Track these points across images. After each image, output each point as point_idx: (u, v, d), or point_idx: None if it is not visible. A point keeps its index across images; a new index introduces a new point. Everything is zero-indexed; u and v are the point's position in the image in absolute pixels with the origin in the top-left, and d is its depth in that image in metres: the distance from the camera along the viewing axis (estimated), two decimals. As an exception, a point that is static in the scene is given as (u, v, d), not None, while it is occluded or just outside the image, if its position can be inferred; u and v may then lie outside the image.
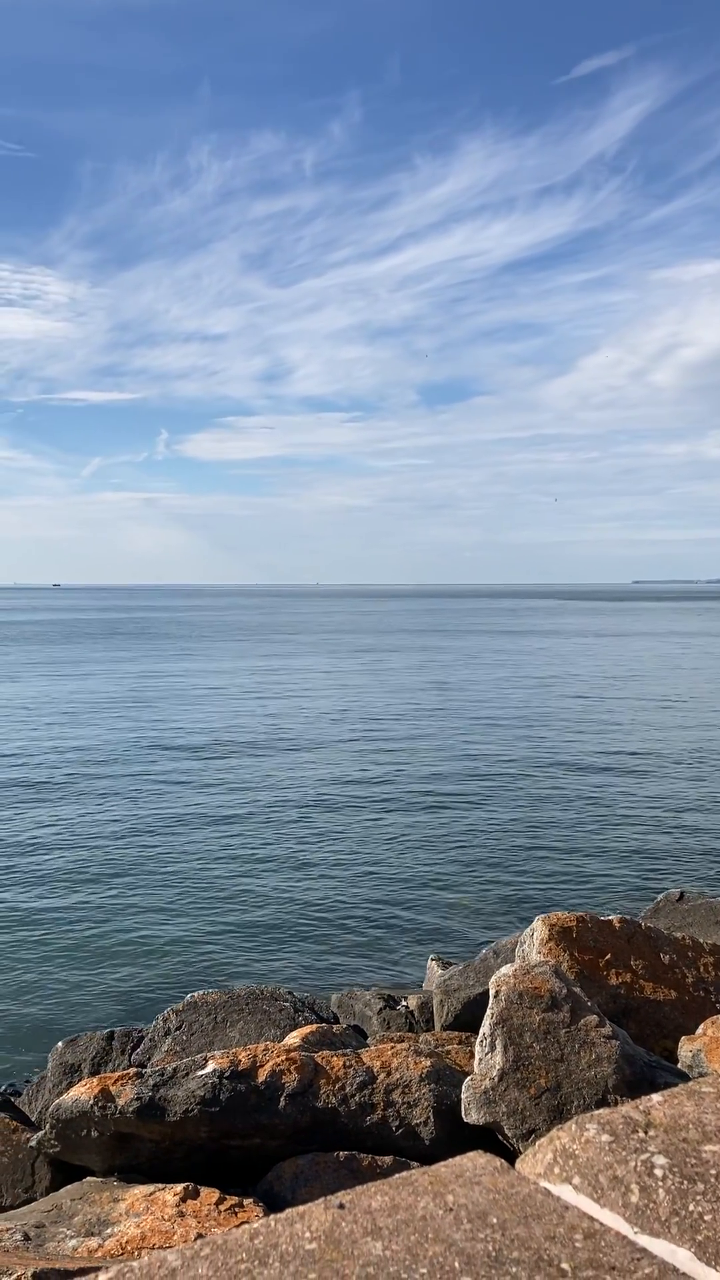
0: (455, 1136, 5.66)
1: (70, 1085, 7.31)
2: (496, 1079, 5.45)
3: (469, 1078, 5.61)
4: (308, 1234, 1.79)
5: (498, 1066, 5.48)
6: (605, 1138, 2.19)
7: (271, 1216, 1.87)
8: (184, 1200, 5.15)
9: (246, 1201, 5.19)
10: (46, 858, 16.56)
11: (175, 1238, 4.83)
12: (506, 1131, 5.33)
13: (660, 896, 11.39)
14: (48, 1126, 6.00)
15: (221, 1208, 5.10)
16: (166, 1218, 5.01)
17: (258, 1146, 5.82)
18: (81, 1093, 5.87)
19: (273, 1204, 5.23)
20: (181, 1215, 5.02)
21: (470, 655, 63.02)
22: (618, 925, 7.46)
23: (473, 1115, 5.45)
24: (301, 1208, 1.88)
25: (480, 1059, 5.63)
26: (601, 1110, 2.32)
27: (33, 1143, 6.20)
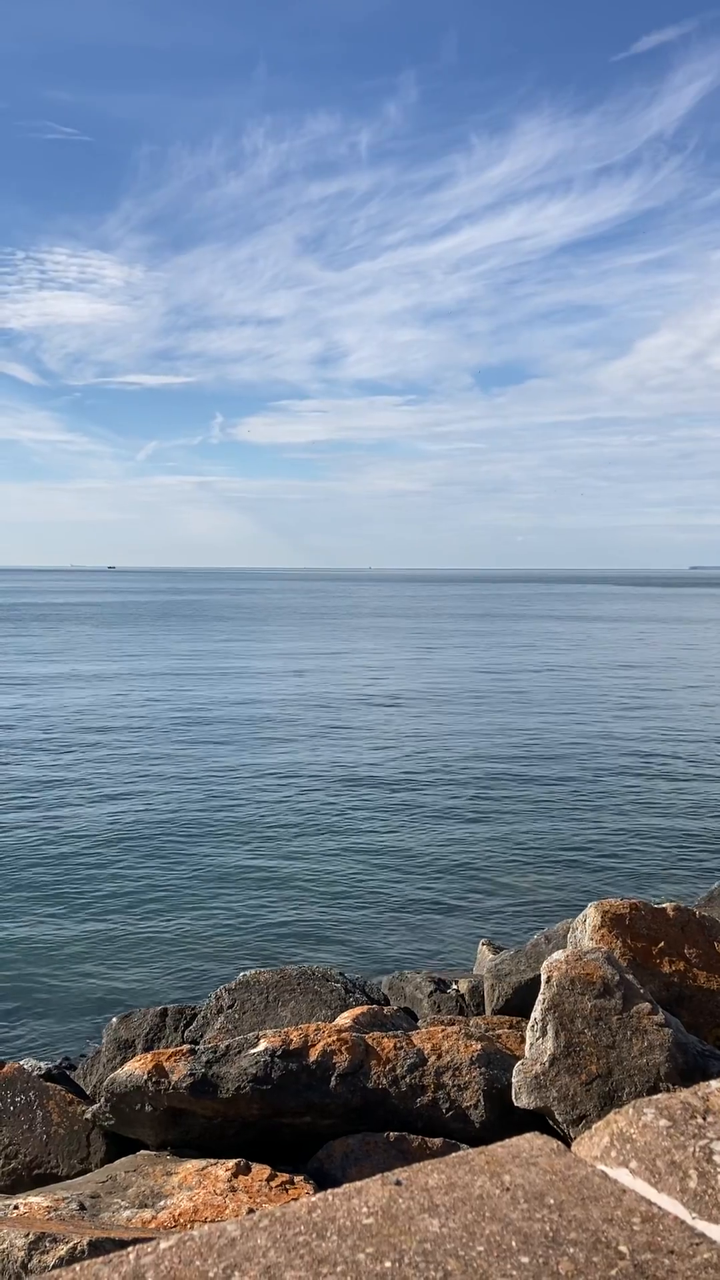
0: (505, 1120, 5.66)
1: (124, 1060, 7.41)
2: (547, 1064, 5.44)
3: (520, 1062, 5.60)
4: (365, 1209, 1.80)
5: (549, 1052, 5.47)
6: (663, 1123, 2.18)
7: (329, 1191, 1.88)
8: (235, 1176, 5.21)
9: (297, 1179, 5.24)
10: (102, 837, 16.79)
11: (227, 1212, 4.89)
12: (557, 1117, 5.32)
13: (716, 885, 11.27)
14: (103, 1100, 6.10)
15: (272, 1184, 5.15)
16: (219, 1192, 5.07)
17: (308, 1125, 5.87)
18: (136, 1068, 5.96)
19: (323, 1182, 5.27)
20: (233, 1190, 5.08)
21: (523, 641, 62.66)
22: (671, 913, 7.39)
23: (523, 1099, 5.45)
24: (359, 1183, 1.89)
25: (531, 1044, 5.62)
26: (659, 1095, 2.30)
27: (88, 1115, 6.31)
